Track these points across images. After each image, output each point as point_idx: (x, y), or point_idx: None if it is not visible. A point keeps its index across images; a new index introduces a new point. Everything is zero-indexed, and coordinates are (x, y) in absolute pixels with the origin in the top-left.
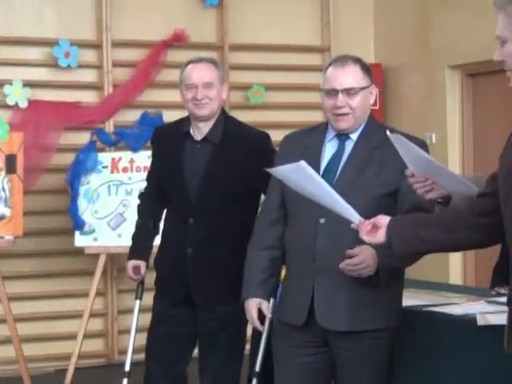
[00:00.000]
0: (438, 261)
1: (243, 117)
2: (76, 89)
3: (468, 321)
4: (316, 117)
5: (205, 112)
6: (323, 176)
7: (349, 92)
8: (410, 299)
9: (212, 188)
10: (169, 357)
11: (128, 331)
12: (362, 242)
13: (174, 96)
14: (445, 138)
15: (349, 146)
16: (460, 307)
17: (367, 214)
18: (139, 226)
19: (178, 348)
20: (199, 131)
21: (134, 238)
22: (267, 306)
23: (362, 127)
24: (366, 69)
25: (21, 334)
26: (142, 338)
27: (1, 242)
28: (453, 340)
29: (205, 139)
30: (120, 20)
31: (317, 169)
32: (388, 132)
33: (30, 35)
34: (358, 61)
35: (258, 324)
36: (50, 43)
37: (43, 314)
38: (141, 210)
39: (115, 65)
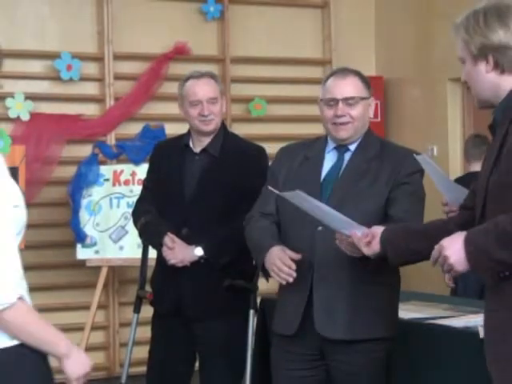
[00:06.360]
0: (440, 273)
1: (244, 130)
2: (78, 101)
3: (470, 333)
4: (317, 129)
5: (211, 127)
6: (322, 186)
7: (349, 101)
8: (411, 312)
9: (205, 198)
10: (168, 382)
11: None
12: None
13: (175, 109)
14: (446, 150)
15: (347, 157)
16: (462, 320)
17: (362, 224)
18: (147, 220)
19: (177, 372)
20: (200, 144)
21: (148, 226)
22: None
23: (360, 139)
24: (366, 81)
25: None
26: (140, 351)
27: None
28: (454, 353)
29: (204, 151)
30: (121, 33)
31: (317, 179)
32: (415, 155)
33: (31, 48)
34: (357, 73)
35: (286, 268)
36: (52, 56)
37: None
38: (140, 211)
39: (117, 78)
